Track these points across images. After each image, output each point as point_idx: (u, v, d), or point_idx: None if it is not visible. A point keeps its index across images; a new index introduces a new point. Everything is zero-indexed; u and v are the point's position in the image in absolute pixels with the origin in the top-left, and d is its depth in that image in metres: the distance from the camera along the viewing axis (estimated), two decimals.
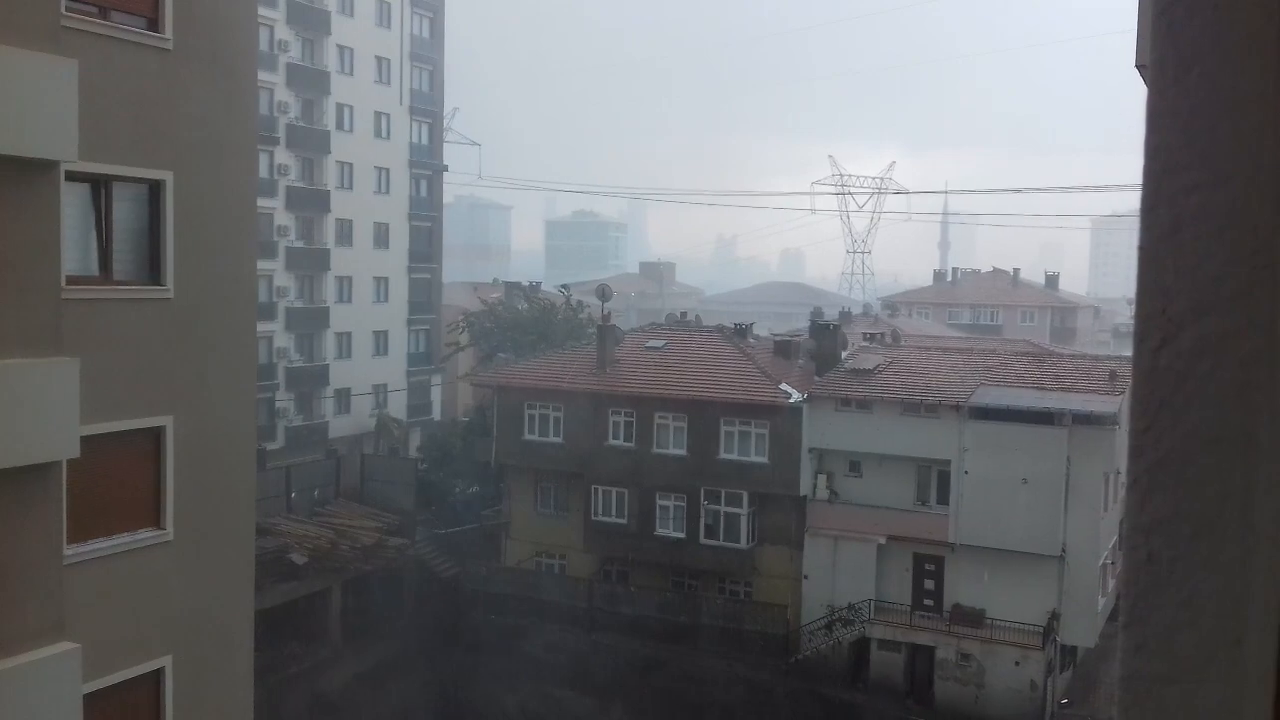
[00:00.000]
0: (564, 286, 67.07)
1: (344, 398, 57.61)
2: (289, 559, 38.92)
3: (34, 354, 10.72)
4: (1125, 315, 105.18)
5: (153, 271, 13.38)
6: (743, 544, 41.02)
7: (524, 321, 60.64)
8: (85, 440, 11.25)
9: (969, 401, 37.56)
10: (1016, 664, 36.17)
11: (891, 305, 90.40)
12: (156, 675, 13.49)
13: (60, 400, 10.83)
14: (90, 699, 11.69)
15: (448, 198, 72.32)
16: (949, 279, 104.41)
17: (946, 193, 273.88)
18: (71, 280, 12.06)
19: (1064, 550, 36.51)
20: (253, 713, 14.98)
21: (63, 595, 11.29)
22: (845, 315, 64.55)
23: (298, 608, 38.29)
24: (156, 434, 13.45)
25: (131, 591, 13.07)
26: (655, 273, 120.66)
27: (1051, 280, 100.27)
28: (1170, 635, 1.26)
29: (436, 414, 64.19)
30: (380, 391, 60.01)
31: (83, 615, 11.84)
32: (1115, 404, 36.32)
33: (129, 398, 13.06)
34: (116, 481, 13.15)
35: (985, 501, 37.00)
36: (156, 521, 13.45)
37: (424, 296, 63.46)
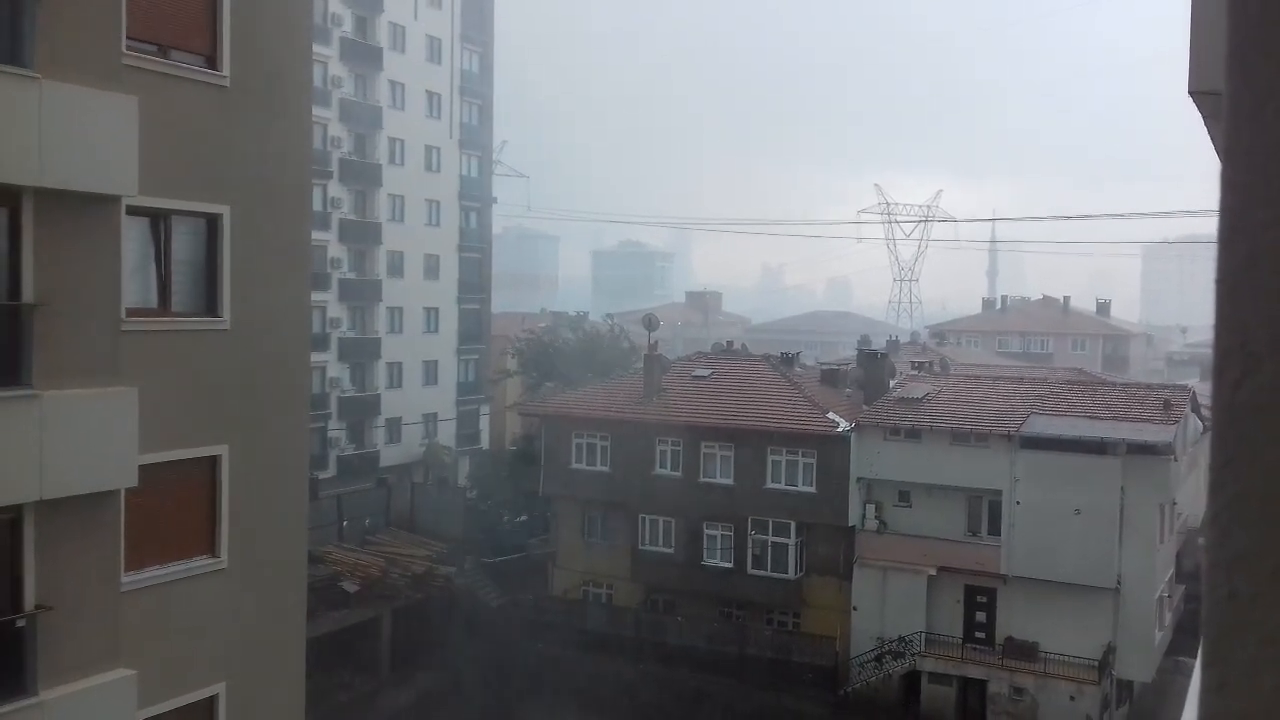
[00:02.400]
0: (609, 316, 67.26)
1: (395, 427, 58.13)
2: (340, 587, 39.26)
3: (94, 384, 11.01)
4: (1178, 343, 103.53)
5: (210, 303, 13.67)
6: (790, 574, 40.71)
7: (571, 351, 60.90)
8: (143, 469, 11.50)
9: (1020, 431, 37.10)
10: (1071, 699, 35.47)
11: (939, 333, 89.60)
12: (210, 702, 13.66)
13: (119, 430, 11.08)
14: None
15: (496, 229, 73.09)
16: (998, 307, 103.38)
17: (994, 220, 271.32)
18: (131, 312, 12.36)
19: (1119, 582, 35.83)
20: None
21: (118, 622, 11.51)
22: (893, 344, 64.00)
23: (348, 635, 38.54)
24: (212, 463, 13.69)
25: (186, 618, 13.26)
26: (701, 302, 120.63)
27: (1103, 308, 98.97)
28: (1253, 673, 1.23)
29: (485, 443, 64.56)
30: (430, 420, 60.48)
31: (138, 642, 12.03)
32: (1169, 433, 35.70)
33: (186, 427, 13.32)
34: (173, 509, 13.39)
35: (1038, 532, 36.44)
36: (211, 549, 13.66)
37: (473, 327, 64.01)
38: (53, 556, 10.83)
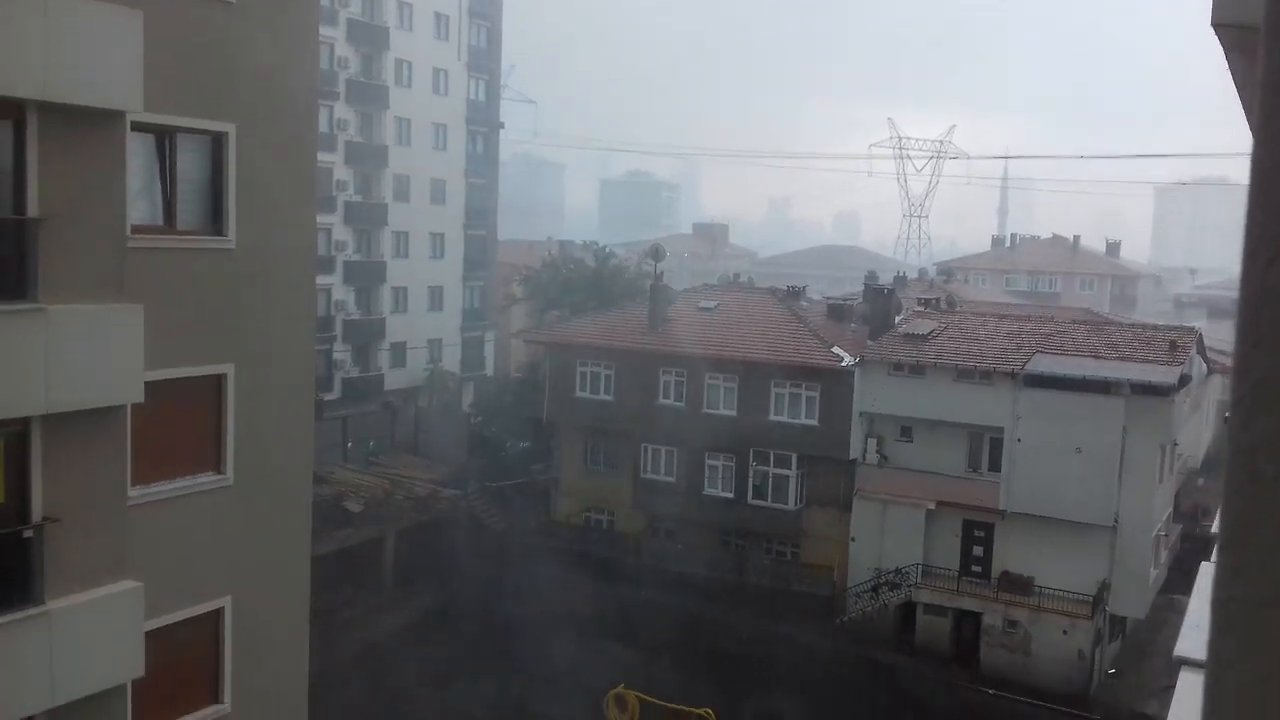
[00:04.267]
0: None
1: (399, 351, 58.26)
2: (345, 507, 39.74)
3: (100, 300, 11.04)
4: (1187, 285, 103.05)
5: (215, 222, 13.63)
6: (791, 505, 41.10)
7: (579, 279, 60.79)
8: (149, 386, 11.57)
9: (1024, 369, 37.14)
10: (1064, 633, 35.98)
11: (948, 270, 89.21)
12: (216, 615, 13.90)
13: (125, 345, 11.14)
14: (152, 636, 12.09)
15: (503, 156, 72.44)
16: (1007, 245, 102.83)
17: (1007, 158, 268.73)
18: (137, 229, 12.34)
19: (1117, 520, 36.14)
20: (308, 654, 15.39)
21: (125, 535, 11.68)
22: (900, 280, 63.82)
23: (352, 554, 39.10)
24: (218, 381, 13.76)
25: (192, 534, 13.45)
26: (708, 234, 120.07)
27: (1112, 248, 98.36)
28: (1272, 558, 1.21)
29: (489, 370, 64.76)
30: (435, 346, 60.59)
31: (145, 555, 12.22)
32: (1174, 374, 35.73)
33: (191, 345, 13.37)
34: (179, 426, 13.50)
35: (1038, 470, 36.67)
36: (217, 466, 13.79)
37: (479, 253, 63.79)
38: (60, 470, 10.95)
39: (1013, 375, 37.18)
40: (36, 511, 10.74)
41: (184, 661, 13.58)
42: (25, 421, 10.61)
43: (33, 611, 10.59)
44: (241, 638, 14.15)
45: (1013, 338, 40.00)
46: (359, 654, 35.70)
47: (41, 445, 10.78)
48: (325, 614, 30.54)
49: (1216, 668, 1.27)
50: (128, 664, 11.56)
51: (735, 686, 36.11)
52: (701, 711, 35.16)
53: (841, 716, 34.95)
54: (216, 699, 14.01)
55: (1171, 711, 5.23)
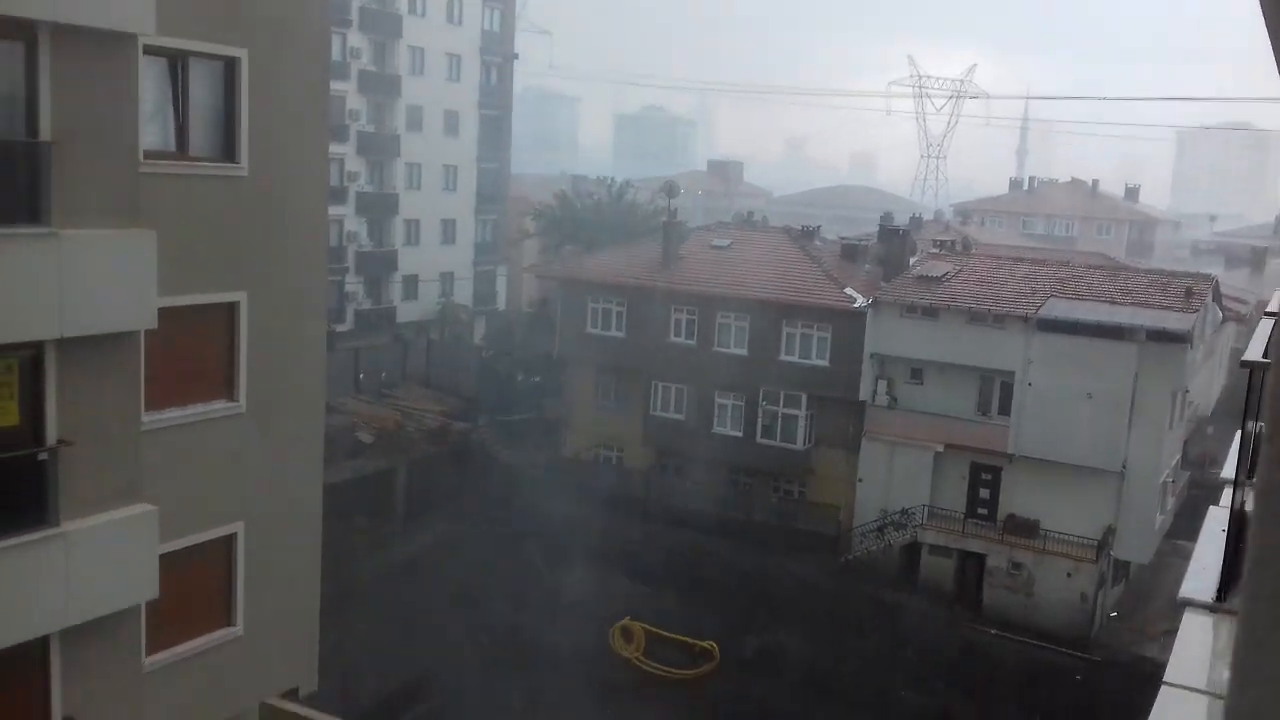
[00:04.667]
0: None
1: (411, 284, 58.25)
2: (357, 437, 40.05)
3: (112, 225, 11.03)
4: (1206, 232, 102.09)
5: (228, 148, 13.56)
6: (799, 445, 41.26)
7: (593, 215, 60.52)
8: (162, 313, 11.60)
9: (1038, 313, 37.00)
10: (1068, 575, 36.25)
11: (964, 213, 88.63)
12: (229, 540, 14.08)
13: (137, 271, 11.15)
14: (165, 559, 12.25)
15: (517, 88, 71.67)
16: (1025, 187, 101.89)
17: (1027, 98, 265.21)
18: (149, 155, 12.28)
19: (1125, 466, 36.21)
20: (320, 581, 15.61)
21: (139, 459, 11.79)
22: (916, 221, 63.36)
23: (364, 484, 39.46)
24: (230, 309, 13.79)
25: (206, 460, 13.57)
26: (723, 171, 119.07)
27: (1131, 193, 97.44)
28: None
29: (501, 304, 64.78)
30: (447, 280, 60.56)
31: (159, 481, 12.34)
32: (1189, 321, 35.55)
33: (204, 273, 13.38)
34: (191, 354, 13.56)
35: (1047, 414, 36.69)
36: (230, 394, 13.87)
37: (492, 187, 63.44)
38: (74, 394, 11.02)
39: (1026, 319, 37.06)
40: (51, 435, 10.83)
41: (197, 585, 13.79)
42: (39, 346, 10.65)
43: (48, 533, 10.73)
44: (254, 563, 14.35)
45: (1027, 281, 39.79)
46: (369, 582, 36.18)
47: (55, 370, 10.83)
48: (337, 541, 30.90)
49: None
50: (141, 586, 11.73)
51: (740, 621, 36.57)
52: (706, 644, 35.65)
53: (844, 652, 35.40)
54: (229, 622, 14.25)
55: (1174, 651, 5.29)
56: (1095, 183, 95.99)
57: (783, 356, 41.19)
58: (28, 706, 11.26)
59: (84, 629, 11.34)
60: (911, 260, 43.19)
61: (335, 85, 41.89)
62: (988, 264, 42.68)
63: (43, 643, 11.15)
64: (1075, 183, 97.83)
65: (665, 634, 36.09)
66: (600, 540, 38.70)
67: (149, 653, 13.00)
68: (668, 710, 33.03)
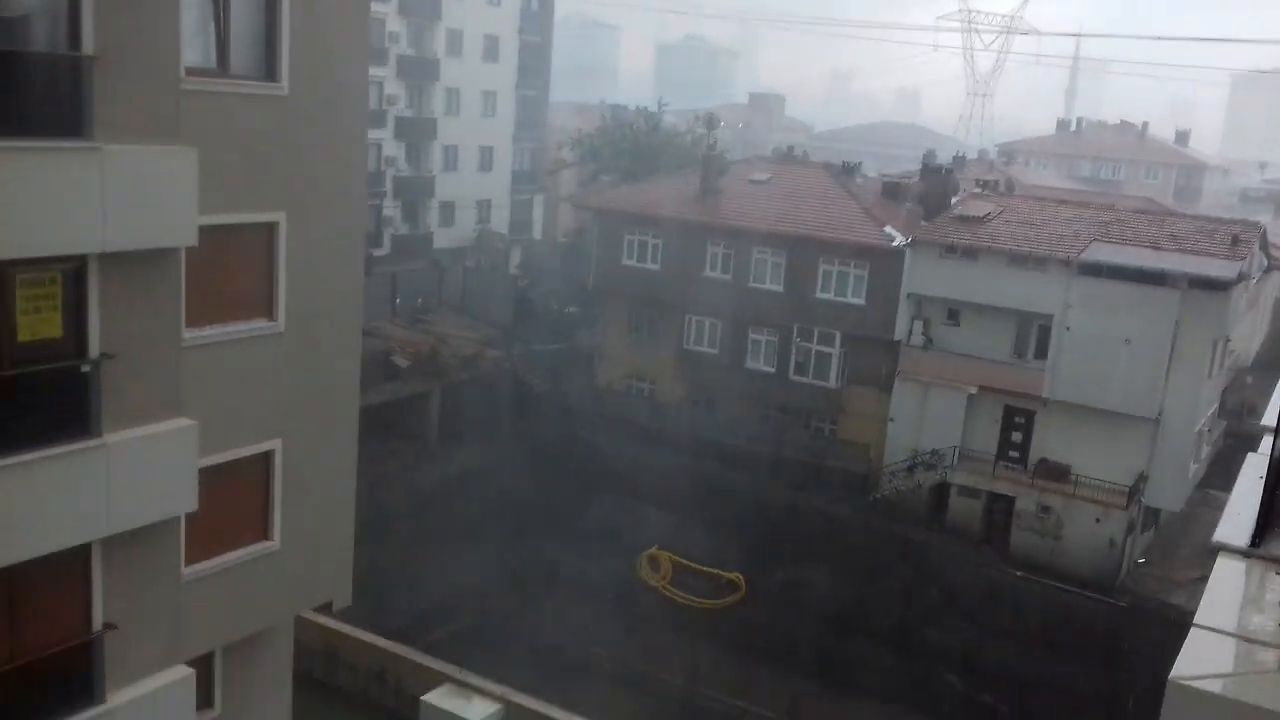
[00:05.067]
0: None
1: (449, 210, 58.25)
2: (393, 361, 40.38)
3: (154, 140, 11.06)
4: (1256, 179, 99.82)
5: (268, 67, 13.51)
6: (832, 383, 41.20)
7: (630, 146, 60.03)
8: (202, 230, 11.68)
9: (1079, 257, 36.50)
10: (1097, 521, 36.19)
11: (1009, 153, 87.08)
12: (266, 457, 14.30)
13: (179, 188, 11.20)
14: (205, 473, 12.49)
15: (557, 14, 70.80)
16: (1072, 128, 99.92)
17: (1079, 36, 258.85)
18: (190, 72, 12.26)
19: (1161, 413, 35.92)
20: (354, 500, 15.86)
21: (179, 374, 11.96)
22: (959, 160, 62.36)
23: (399, 408, 39.89)
24: (270, 229, 13.85)
25: (245, 377, 13.74)
26: (764, 104, 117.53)
27: (1181, 136, 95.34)
28: None
29: (537, 233, 64.71)
30: (483, 207, 60.50)
31: (199, 397, 12.53)
32: (1233, 269, 34.95)
33: (244, 192, 13.42)
34: (231, 273, 13.67)
35: (1085, 359, 36.37)
36: (269, 313, 13.99)
37: (530, 114, 63.03)
38: (116, 309, 11.15)
39: (1067, 262, 36.58)
40: (94, 348, 10.98)
41: (236, 499, 14.05)
42: (82, 259, 10.77)
43: (90, 443, 10.94)
44: (291, 480, 14.58)
45: (1070, 224, 39.20)
46: (402, 504, 36.75)
47: (98, 283, 10.95)
48: (372, 462, 31.36)
49: None
50: (181, 498, 11.97)
51: (766, 554, 36.90)
52: (732, 576, 36.03)
53: (869, 588, 35.68)
54: (266, 536, 14.53)
55: (1206, 594, 5.28)
56: (1145, 125, 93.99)
57: (818, 294, 40.95)
58: (71, 612, 11.59)
59: (124, 538, 11.61)
60: (953, 200, 42.61)
61: (375, 8, 41.58)
62: (1031, 205, 42.05)
63: (84, 550, 11.44)
64: (1124, 125, 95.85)
65: (692, 565, 36.50)
66: (630, 471, 39.01)
67: (188, 563, 13.30)
68: (693, 638, 33.52)
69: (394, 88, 54.36)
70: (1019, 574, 35.78)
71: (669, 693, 30.58)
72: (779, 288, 41.76)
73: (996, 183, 48.78)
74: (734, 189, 45.03)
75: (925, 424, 39.26)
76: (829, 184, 44.61)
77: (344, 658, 23.25)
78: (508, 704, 21.20)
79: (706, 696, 30.48)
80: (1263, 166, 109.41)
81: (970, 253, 38.46)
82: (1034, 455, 38.22)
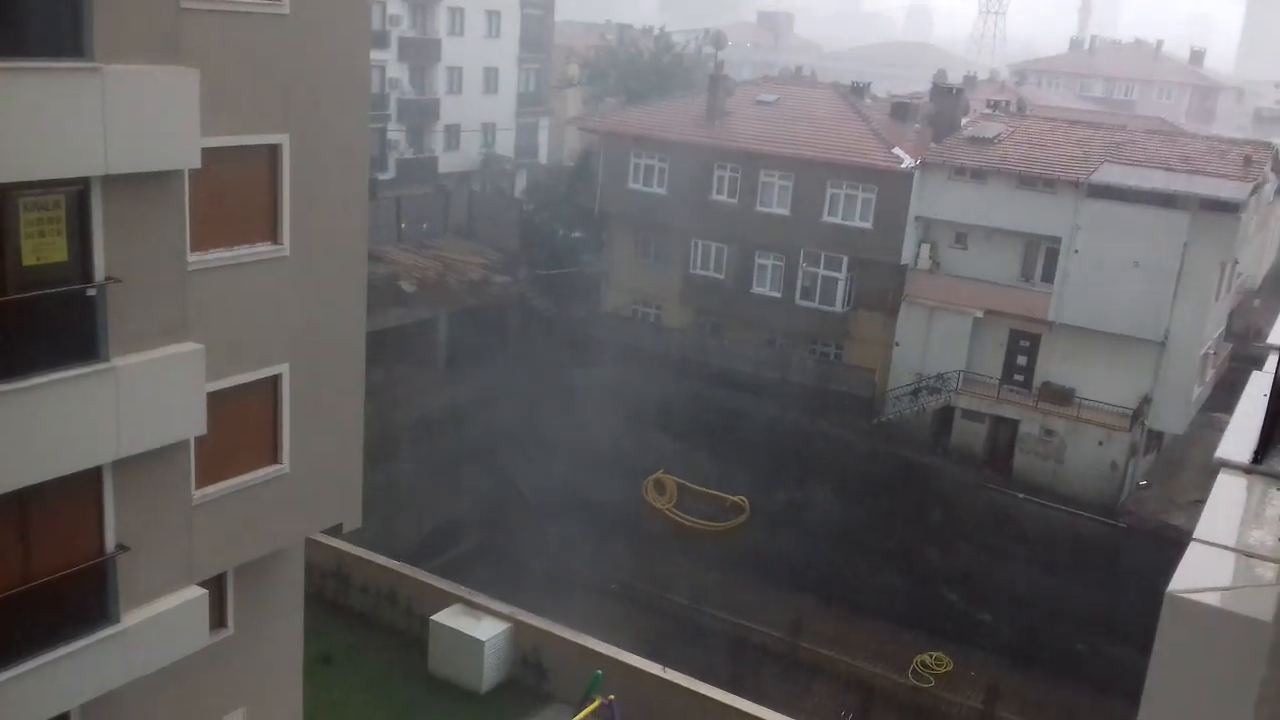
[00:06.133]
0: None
1: (453, 134, 57.66)
2: (399, 286, 40.32)
3: (154, 61, 10.93)
4: (1270, 99, 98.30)
5: None
6: (837, 307, 41.14)
7: (636, 67, 59.19)
8: (206, 153, 11.59)
9: (1089, 178, 36.15)
10: (1100, 443, 36.37)
11: (1021, 73, 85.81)
12: (274, 381, 14.35)
13: (181, 109, 11.10)
14: (213, 397, 12.55)
15: None
16: (1086, 47, 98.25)
17: None
18: None
19: (1166, 336, 35.88)
20: (363, 424, 15.96)
21: (185, 298, 11.97)
22: (970, 80, 61.43)
23: (406, 333, 39.96)
24: (273, 151, 13.73)
25: (251, 301, 13.74)
26: (773, 24, 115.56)
27: (1196, 56, 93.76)
28: None
29: (543, 157, 64.09)
30: (489, 130, 59.86)
31: (205, 321, 12.54)
32: (1244, 190, 34.63)
33: (246, 114, 13.28)
34: (235, 195, 13.58)
35: (1092, 282, 36.23)
36: (274, 236, 13.93)
37: (535, 34, 62.02)
38: (120, 232, 11.11)
39: (1077, 184, 36.26)
40: (99, 271, 10.97)
41: (244, 423, 14.14)
42: (85, 182, 10.70)
43: (99, 367, 10.99)
44: (299, 403, 14.66)
45: (1081, 145, 38.76)
46: (410, 429, 37.03)
47: (102, 207, 10.90)
48: (380, 387, 31.56)
49: None
50: (190, 421, 12.05)
51: (770, 477, 37.24)
52: (737, 498, 36.41)
53: (872, 510, 36.06)
54: (276, 460, 14.65)
55: (1206, 509, 5.33)
56: (1159, 44, 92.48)
57: (825, 217, 40.69)
58: (84, 534, 11.75)
59: (134, 461, 11.71)
60: (963, 121, 42.10)
61: None
62: (1041, 126, 41.52)
63: (95, 474, 11.55)
64: (1138, 44, 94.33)
65: (697, 488, 36.87)
66: (636, 395, 39.22)
67: (198, 486, 13.44)
68: (698, 560, 34.01)
69: (396, 7, 53.49)
70: (1021, 496, 36.11)
71: (675, 612, 31.12)
72: (786, 211, 41.49)
73: (1007, 103, 48.14)
74: (741, 111, 44.50)
75: (930, 348, 39.27)
76: (837, 105, 44.05)
77: (355, 579, 23.62)
78: (515, 623, 21.58)
79: (711, 615, 31.02)
80: (1278, 86, 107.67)
81: (979, 175, 38.11)
82: (1038, 379, 38.28)
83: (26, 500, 10.96)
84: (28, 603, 11.16)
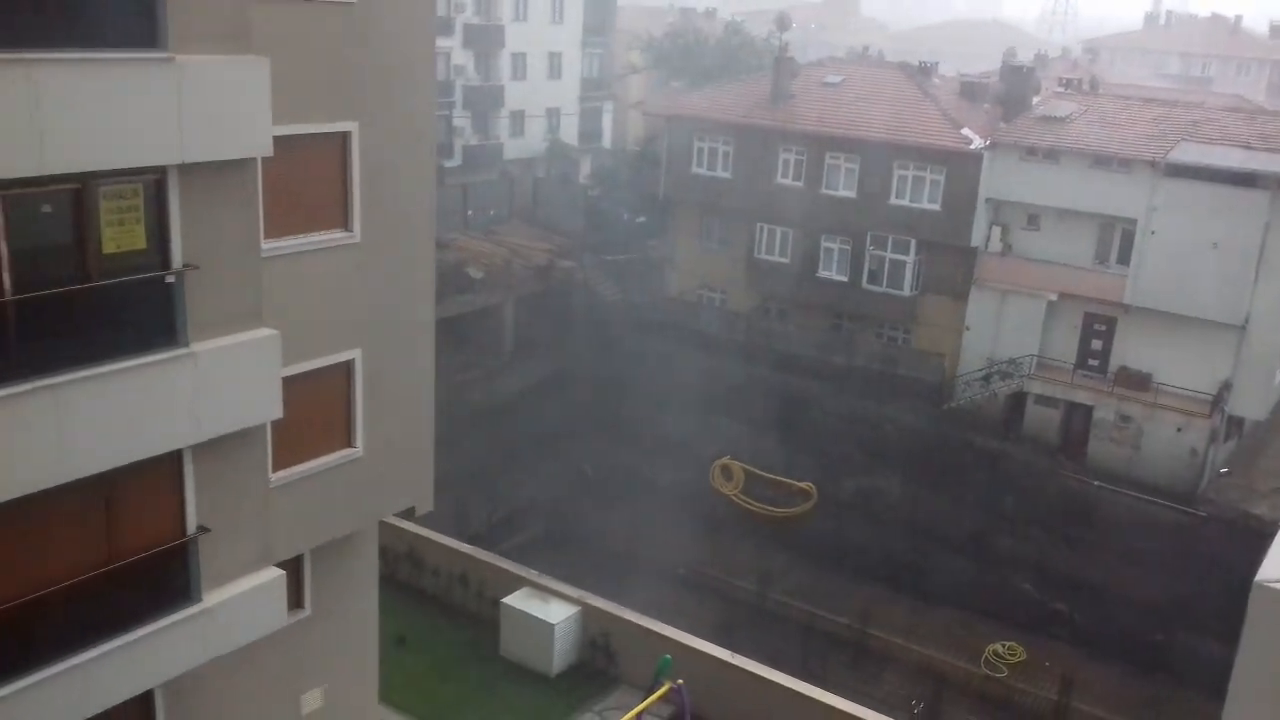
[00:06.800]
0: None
1: (518, 120, 57.87)
2: (466, 272, 40.67)
3: (227, 51, 11.07)
4: None
5: None
6: (905, 291, 40.64)
7: (701, 50, 58.90)
8: (277, 141, 11.71)
9: (1166, 158, 35.24)
10: (1178, 430, 35.53)
11: (1093, 50, 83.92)
12: (347, 366, 14.52)
13: (252, 98, 11.22)
14: (288, 382, 12.71)
15: None
16: (1161, 22, 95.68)
17: None
18: None
19: (1247, 320, 34.89)
20: (434, 409, 16.09)
21: (260, 284, 12.14)
22: (1041, 58, 60.26)
23: (473, 319, 40.30)
24: (343, 139, 13.85)
25: (323, 287, 13.89)
26: (838, 3, 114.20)
27: (1276, 30, 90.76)
28: None
29: (607, 142, 64.09)
30: (553, 116, 59.98)
31: (279, 307, 12.71)
32: None
33: (315, 102, 13.41)
34: (307, 183, 13.72)
35: (1169, 264, 35.38)
36: (345, 224, 14.07)
37: (599, 18, 61.94)
38: (196, 220, 11.28)
39: (1153, 164, 35.38)
40: (176, 258, 11.16)
41: (319, 408, 14.32)
42: (162, 171, 10.88)
43: (178, 353, 11.18)
44: (371, 388, 14.82)
45: (1157, 124, 37.79)
46: (478, 414, 37.34)
47: (178, 195, 11.08)
48: (449, 373, 31.81)
49: None
50: (266, 406, 12.22)
51: (838, 464, 36.92)
52: (804, 485, 36.17)
53: (942, 497, 35.59)
54: (350, 443, 14.83)
55: None
56: (1238, 19, 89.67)
57: (893, 200, 40.18)
58: (166, 516, 12.00)
59: (213, 445, 11.92)
60: (1034, 100, 41.28)
61: None
62: (1115, 105, 40.56)
63: (176, 457, 11.78)
64: (1215, 19, 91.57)
65: (764, 474, 36.69)
66: (702, 380, 39.12)
67: (275, 469, 13.65)
68: (764, 546, 33.86)
69: None
70: (1096, 484, 35.41)
71: (742, 598, 31.01)
72: (852, 194, 41.04)
73: (1080, 81, 47.07)
74: (807, 92, 44.07)
75: (1002, 332, 38.64)
76: (905, 85, 43.42)
77: (427, 562, 23.89)
78: (585, 607, 21.67)
79: (778, 602, 30.86)
80: None
81: (1052, 155, 37.35)
82: (1114, 363, 37.49)
83: (111, 482, 11.21)
84: (113, 583, 11.43)
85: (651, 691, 17.98)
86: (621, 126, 64.82)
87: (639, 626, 21.05)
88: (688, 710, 17.56)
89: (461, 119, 54.79)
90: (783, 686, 19.41)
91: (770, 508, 35.83)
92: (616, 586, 25.23)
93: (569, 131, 60.72)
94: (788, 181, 42.40)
